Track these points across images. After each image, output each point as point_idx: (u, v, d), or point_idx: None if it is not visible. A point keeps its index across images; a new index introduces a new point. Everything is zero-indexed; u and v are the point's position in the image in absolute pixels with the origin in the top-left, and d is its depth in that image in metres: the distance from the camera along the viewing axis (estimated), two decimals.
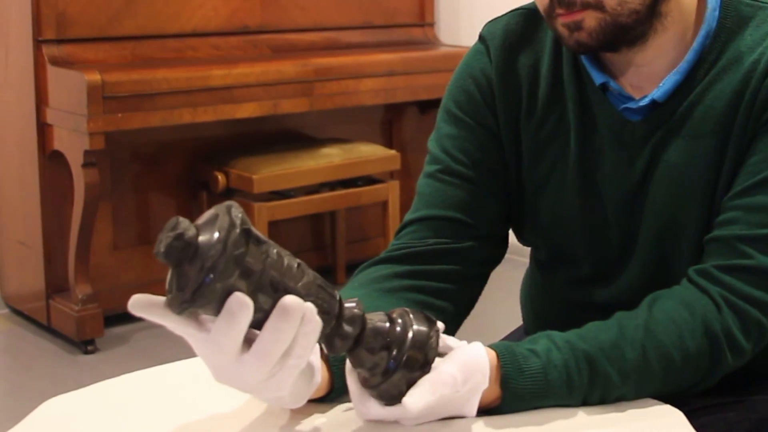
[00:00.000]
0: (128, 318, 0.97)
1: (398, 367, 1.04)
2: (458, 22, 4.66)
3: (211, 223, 0.93)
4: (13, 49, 3.61)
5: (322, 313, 0.98)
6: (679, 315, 1.21)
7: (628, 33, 1.26)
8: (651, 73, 1.32)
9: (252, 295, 0.93)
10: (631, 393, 1.18)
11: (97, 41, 3.59)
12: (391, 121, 4.44)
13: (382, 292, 1.30)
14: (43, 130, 3.54)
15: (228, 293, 0.92)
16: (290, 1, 4.07)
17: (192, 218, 0.94)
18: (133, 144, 3.71)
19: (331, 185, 3.89)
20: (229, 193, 3.70)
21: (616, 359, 1.17)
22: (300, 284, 0.97)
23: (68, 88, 3.37)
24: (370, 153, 3.98)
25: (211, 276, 0.90)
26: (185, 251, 0.91)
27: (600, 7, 1.23)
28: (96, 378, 1.25)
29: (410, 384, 1.04)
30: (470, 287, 1.38)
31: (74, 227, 3.47)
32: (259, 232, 0.95)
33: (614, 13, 1.24)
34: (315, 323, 0.97)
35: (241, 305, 0.92)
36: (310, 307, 0.96)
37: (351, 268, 3.68)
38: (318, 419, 1.12)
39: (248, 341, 0.95)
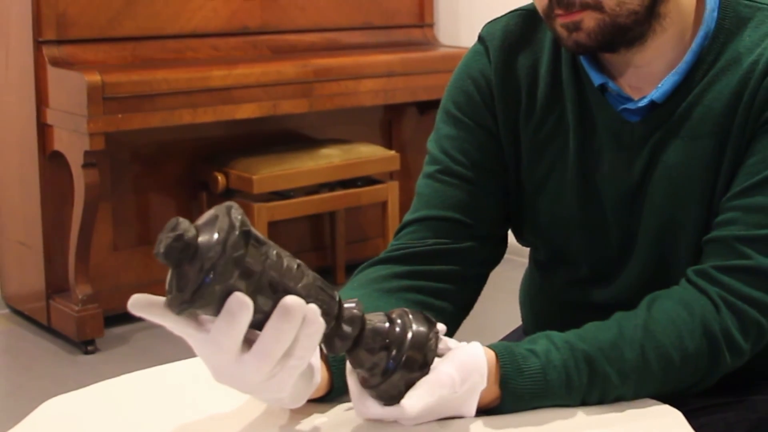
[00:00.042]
0: (128, 318, 0.97)
1: (397, 368, 1.04)
2: (457, 23, 4.66)
3: (211, 224, 0.93)
4: (13, 50, 3.61)
5: (322, 314, 0.98)
6: (678, 315, 1.21)
7: (627, 34, 1.26)
8: (650, 74, 1.32)
9: (252, 296, 0.93)
10: (630, 393, 1.18)
11: (97, 42, 3.59)
12: (391, 122, 4.45)
13: (381, 292, 1.30)
14: (44, 130, 3.54)
15: (228, 294, 0.92)
16: (290, 2, 4.07)
17: (192, 219, 0.94)
18: (133, 144, 3.72)
19: (331, 186, 3.89)
20: (228, 194, 3.70)
21: (615, 359, 1.17)
22: (300, 285, 0.97)
23: (68, 88, 3.37)
24: (370, 153, 3.98)
25: (211, 277, 0.91)
26: (185, 252, 0.91)
27: (599, 8, 1.23)
28: (96, 378, 1.25)
29: (409, 384, 1.05)
30: (469, 287, 1.39)
31: (74, 227, 3.47)
32: (259, 233, 0.95)
33: (613, 13, 1.24)
34: (318, 324, 0.97)
35: (241, 305, 0.92)
36: (313, 308, 0.96)
37: (350, 269, 3.68)
38: (318, 419, 1.12)
39: (248, 342, 0.95)
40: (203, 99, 3.53)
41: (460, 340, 1.14)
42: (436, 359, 1.07)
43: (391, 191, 4.00)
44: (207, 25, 3.85)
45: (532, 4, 1.34)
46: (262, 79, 3.66)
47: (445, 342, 1.10)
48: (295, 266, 0.97)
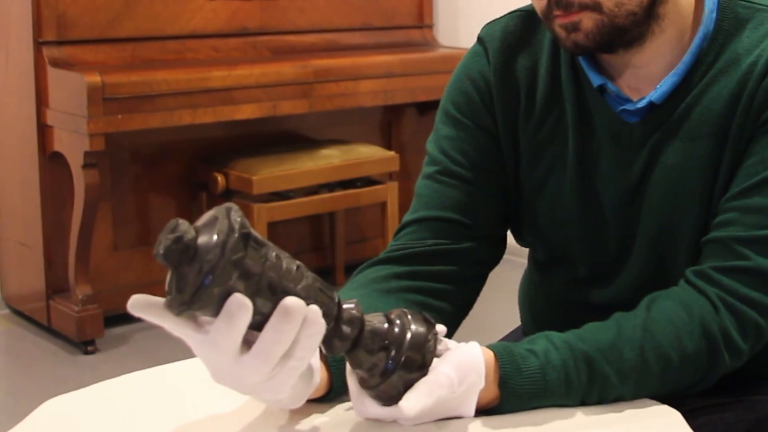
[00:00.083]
0: (128, 318, 0.97)
1: (396, 368, 1.04)
2: (457, 24, 4.66)
3: (211, 225, 0.93)
4: (13, 51, 3.61)
5: (322, 315, 0.99)
6: (677, 316, 1.21)
7: (625, 34, 1.26)
8: (648, 75, 1.32)
9: (251, 297, 0.93)
10: (629, 393, 1.18)
11: (97, 43, 3.60)
12: (390, 123, 4.45)
13: (381, 292, 1.30)
14: (44, 131, 3.54)
15: (227, 295, 0.92)
16: (289, 2, 4.07)
17: (191, 219, 0.94)
18: (133, 145, 3.72)
19: (330, 186, 3.89)
20: (228, 194, 3.70)
21: (614, 359, 1.17)
22: (299, 286, 0.97)
23: (68, 89, 3.37)
24: (369, 154, 3.98)
25: (210, 279, 0.91)
26: (184, 253, 0.91)
27: (597, 9, 1.24)
28: (96, 378, 1.25)
29: (408, 385, 1.05)
30: (469, 288, 1.39)
31: (74, 228, 3.47)
32: (258, 234, 0.95)
33: (611, 14, 1.24)
34: (320, 325, 0.97)
35: (240, 306, 0.92)
36: (314, 309, 0.97)
37: (350, 269, 3.68)
38: (317, 419, 1.12)
39: (247, 343, 0.96)
40: (203, 100, 3.53)
41: (459, 341, 1.14)
42: (435, 360, 1.07)
43: (390, 192, 4.00)
44: (207, 26, 3.86)
45: (531, 5, 1.34)
46: (261, 79, 3.66)
47: (445, 343, 1.10)
48: (295, 267, 0.97)
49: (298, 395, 1.04)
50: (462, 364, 1.08)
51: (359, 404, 1.08)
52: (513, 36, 1.40)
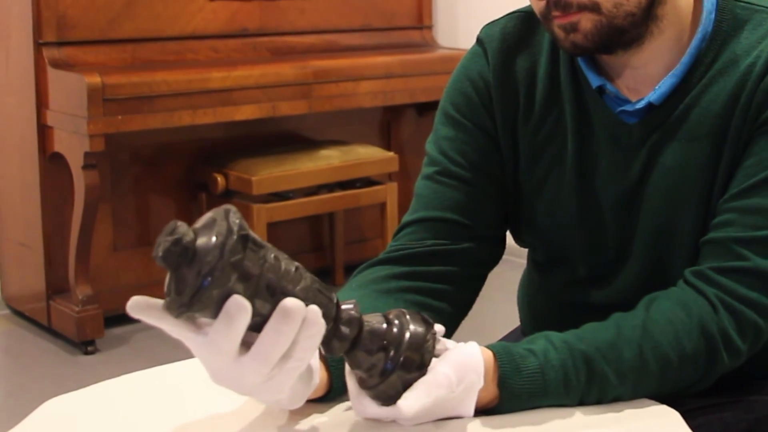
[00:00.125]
0: (128, 319, 0.97)
1: (395, 368, 1.04)
2: (456, 25, 4.66)
3: (209, 227, 0.94)
4: (13, 52, 3.62)
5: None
6: (676, 316, 1.21)
7: (624, 35, 1.26)
8: (647, 76, 1.32)
9: (250, 299, 0.94)
10: (628, 393, 1.19)
11: (97, 44, 3.60)
12: (390, 123, 4.45)
13: (380, 293, 1.30)
14: (44, 132, 3.54)
15: (226, 297, 0.93)
16: (289, 3, 4.08)
17: (191, 220, 0.94)
18: (132, 146, 3.72)
19: (330, 187, 3.89)
20: (228, 195, 3.70)
21: (613, 359, 1.17)
22: (298, 288, 0.97)
23: (68, 90, 3.37)
24: (369, 155, 3.98)
25: (209, 280, 0.91)
26: (183, 256, 0.91)
27: (596, 9, 1.24)
28: (96, 378, 1.25)
29: (407, 385, 1.05)
30: (468, 288, 1.39)
31: (74, 228, 3.47)
32: (257, 236, 0.96)
33: (610, 15, 1.24)
34: (319, 326, 0.97)
35: (240, 308, 0.93)
36: (313, 310, 0.97)
37: (349, 269, 3.68)
38: (317, 419, 1.12)
39: (246, 344, 0.96)
40: (203, 100, 3.53)
41: (458, 341, 1.14)
42: (433, 360, 1.08)
43: (389, 192, 4.00)
44: (206, 27, 3.86)
45: (529, 6, 1.34)
46: (261, 80, 3.66)
47: (443, 343, 1.10)
48: (293, 269, 0.98)
49: (298, 396, 1.05)
50: (461, 364, 1.08)
51: (358, 404, 1.08)
52: (512, 37, 1.40)
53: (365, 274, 1.34)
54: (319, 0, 4.16)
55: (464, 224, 1.37)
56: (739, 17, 1.31)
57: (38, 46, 3.48)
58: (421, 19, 4.50)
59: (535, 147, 1.39)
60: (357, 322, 1.03)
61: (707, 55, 1.30)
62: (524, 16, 1.41)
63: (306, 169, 3.77)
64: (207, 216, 0.96)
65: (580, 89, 1.36)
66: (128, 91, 3.37)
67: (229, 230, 0.92)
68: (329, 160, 3.85)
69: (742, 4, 1.32)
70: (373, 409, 1.07)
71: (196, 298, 0.91)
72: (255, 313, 0.94)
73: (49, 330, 3.71)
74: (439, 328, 1.09)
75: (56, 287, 3.67)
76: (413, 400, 1.04)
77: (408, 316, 1.07)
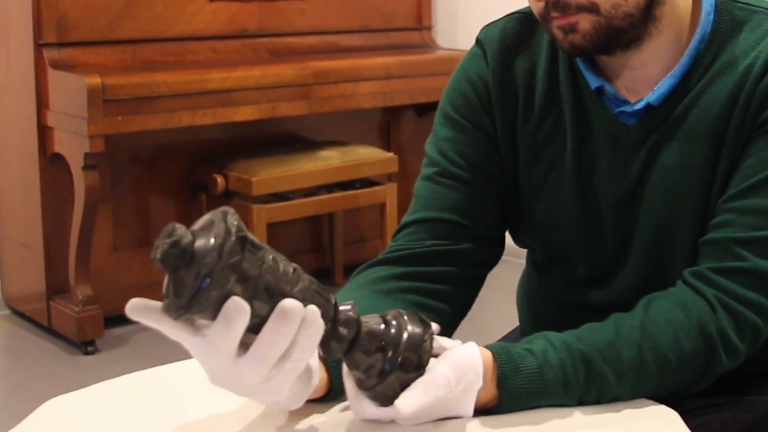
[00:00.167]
0: (128, 319, 0.97)
1: (393, 369, 1.04)
2: (455, 26, 4.66)
3: (207, 229, 0.94)
4: (14, 53, 3.62)
5: None
6: (675, 316, 1.21)
7: (623, 36, 1.27)
8: (646, 77, 1.33)
9: (248, 300, 0.94)
10: (626, 393, 1.19)
11: (97, 45, 3.60)
12: (389, 124, 4.45)
13: (379, 293, 1.30)
14: (44, 132, 3.54)
15: (224, 299, 0.93)
16: (289, 5, 4.08)
17: (191, 220, 0.95)
18: (132, 146, 3.72)
19: (329, 187, 3.90)
20: (228, 196, 3.71)
21: (612, 359, 1.17)
22: (296, 289, 0.97)
23: (69, 91, 3.38)
24: (368, 155, 3.98)
25: (207, 282, 0.91)
26: (181, 258, 0.91)
27: (594, 10, 1.24)
28: (96, 378, 1.26)
29: (405, 385, 1.05)
30: (467, 288, 1.39)
31: (74, 229, 3.47)
32: (255, 237, 0.96)
33: (608, 16, 1.24)
34: (318, 326, 0.98)
35: (238, 309, 0.93)
36: (312, 310, 0.97)
37: (349, 270, 3.68)
38: (317, 419, 1.12)
39: (244, 345, 0.96)
40: (202, 101, 3.53)
41: (455, 341, 1.14)
42: (432, 360, 1.08)
43: (389, 193, 4.00)
44: (206, 28, 3.86)
45: (528, 7, 1.34)
46: (261, 81, 3.66)
47: (439, 341, 1.10)
48: (291, 270, 0.98)
49: (297, 396, 1.05)
50: (459, 364, 1.08)
51: (357, 405, 1.08)
52: (511, 38, 1.41)
53: (365, 275, 1.35)
54: (318, 1, 4.16)
55: (463, 225, 1.37)
56: (737, 18, 1.31)
57: (38, 46, 3.49)
58: (421, 20, 4.50)
59: (534, 148, 1.39)
60: (355, 323, 1.03)
61: (706, 56, 1.30)
62: (523, 17, 1.41)
63: (306, 170, 3.77)
64: (205, 218, 0.96)
65: (579, 90, 1.36)
66: (128, 91, 3.37)
67: (228, 232, 0.92)
68: (329, 160, 3.85)
69: (740, 5, 1.32)
70: (372, 409, 1.07)
71: (194, 300, 0.92)
72: (253, 315, 0.94)
73: (49, 330, 3.72)
74: (435, 327, 1.10)
75: (56, 287, 3.67)
76: (411, 400, 1.04)
77: (406, 317, 1.07)
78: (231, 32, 3.92)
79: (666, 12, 1.29)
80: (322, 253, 4.27)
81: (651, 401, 1.19)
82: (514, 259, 1.97)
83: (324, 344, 1.02)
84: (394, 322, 1.06)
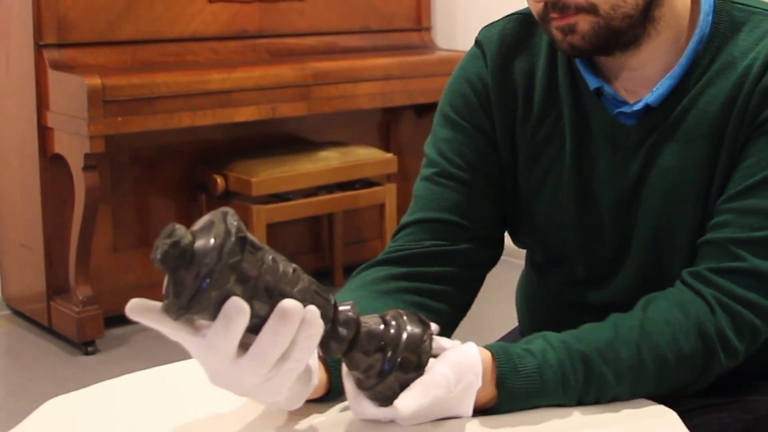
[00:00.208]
0: (128, 319, 0.97)
1: (393, 369, 1.04)
2: (454, 27, 4.66)
3: (207, 229, 0.94)
4: (14, 54, 3.62)
5: None
6: (674, 316, 1.22)
7: (621, 37, 1.27)
8: (645, 78, 1.33)
9: (248, 300, 0.94)
10: (625, 393, 1.19)
11: (97, 45, 3.60)
12: (389, 125, 4.45)
13: (379, 293, 1.31)
14: (44, 133, 3.54)
15: (224, 299, 0.93)
16: (289, 6, 4.08)
17: (191, 221, 0.95)
18: (133, 147, 3.72)
19: (329, 188, 3.90)
20: (227, 196, 3.71)
21: (611, 359, 1.18)
22: (296, 289, 0.98)
23: (69, 91, 3.38)
24: (368, 156, 3.98)
25: (207, 283, 0.91)
26: (181, 258, 0.92)
27: (593, 11, 1.24)
28: (96, 378, 1.26)
29: (404, 385, 1.05)
30: (466, 289, 1.39)
31: (75, 229, 3.48)
32: (255, 238, 0.96)
33: (607, 16, 1.24)
34: (318, 326, 0.98)
35: (238, 310, 0.93)
36: (312, 310, 0.97)
37: (348, 270, 3.68)
38: (316, 419, 1.12)
39: (244, 346, 0.96)
40: (202, 102, 3.54)
41: (454, 341, 1.15)
42: (431, 360, 1.08)
43: (388, 193, 4.00)
44: (206, 29, 3.86)
45: (528, 8, 1.35)
46: (260, 82, 3.66)
47: (438, 341, 1.11)
48: (291, 270, 0.98)
49: (296, 397, 1.05)
50: (459, 364, 1.08)
51: (356, 406, 1.08)
52: (510, 39, 1.41)
53: (364, 275, 1.35)
54: (318, 2, 4.16)
55: (463, 225, 1.37)
56: (736, 19, 1.31)
57: (39, 47, 3.49)
58: (420, 21, 4.50)
59: (533, 148, 1.39)
60: (354, 324, 1.04)
61: (704, 57, 1.31)
62: (522, 18, 1.42)
63: (305, 171, 3.77)
64: (205, 218, 0.96)
65: (578, 91, 1.36)
66: (128, 92, 3.37)
67: (227, 232, 0.93)
68: (328, 161, 3.85)
69: (739, 6, 1.32)
70: (371, 410, 1.07)
71: (194, 300, 0.92)
72: (253, 315, 0.95)
73: (49, 330, 3.72)
74: (434, 327, 1.10)
75: (56, 288, 3.67)
76: (410, 400, 1.05)
77: (405, 317, 1.07)
78: (231, 33, 3.92)
79: (665, 13, 1.29)
80: (321, 253, 4.28)
81: (650, 401, 1.20)
82: (513, 259, 1.97)
83: (323, 344, 1.02)
84: (393, 323, 1.07)
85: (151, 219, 3.82)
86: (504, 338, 1.65)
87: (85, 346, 3.55)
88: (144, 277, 3.79)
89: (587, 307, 1.39)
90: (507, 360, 1.14)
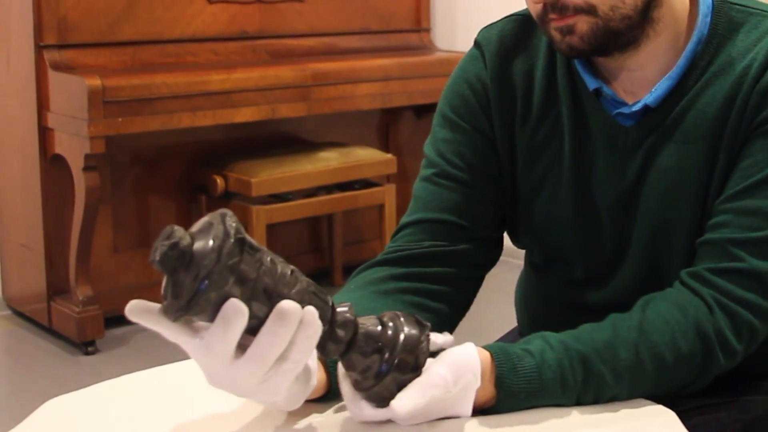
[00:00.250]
0: (128, 320, 0.97)
1: (390, 370, 1.05)
2: (454, 28, 4.67)
3: (206, 231, 0.94)
4: (14, 54, 3.62)
5: None
6: (672, 316, 1.22)
7: (620, 38, 1.27)
8: (643, 78, 1.33)
9: (246, 302, 0.94)
10: (624, 393, 1.19)
11: (97, 46, 3.60)
12: (388, 126, 4.45)
13: (378, 294, 1.31)
14: (45, 134, 3.55)
15: (223, 301, 0.93)
16: (288, 6, 4.08)
17: (191, 221, 0.95)
18: (133, 148, 3.72)
19: (329, 188, 3.90)
20: (227, 197, 3.71)
21: (609, 359, 1.18)
22: (293, 291, 0.98)
23: (69, 92, 3.38)
24: (367, 157, 3.99)
25: (206, 284, 0.91)
26: (180, 260, 0.92)
27: (592, 12, 1.24)
28: (96, 378, 1.26)
29: (401, 386, 1.06)
30: (465, 289, 1.39)
31: (75, 230, 3.48)
32: (253, 240, 0.96)
33: (606, 17, 1.24)
34: (316, 326, 0.98)
35: (237, 311, 0.93)
36: (311, 311, 0.97)
37: (348, 271, 3.69)
38: (315, 419, 1.13)
39: (241, 347, 0.96)
40: (202, 103, 3.54)
41: (456, 342, 1.15)
42: (429, 360, 1.08)
43: (388, 194, 4.00)
44: (206, 30, 3.86)
45: (527, 9, 1.35)
46: (260, 83, 3.66)
47: (432, 336, 1.11)
48: (289, 272, 0.98)
49: (295, 397, 1.05)
50: (457, 365, 1.09)
51: (354, 408, 1.08)
52: (509, 40, 1.41)
53: (363, 276, 1.35)
54: (317, 3, 4.16)
55: (462, 226, 1.38)
56: (734, 20, 1.32)
57: (39, 48, 3.49)
58: (419, 22, 4.51)
59: (532, 149, 1.39)
60: (352, 325, 1.04)
61: (703, 58, 1.31)
62: (522, 19, 1.42)
63: (305, 171, 3.77)
64: (203, 220, 0.96)
65: (577, 92, 1.36)
66: (128, 93, 3.37)
67: (226, 234, 0.93)
68: (328, 161, 3.86)
69: (737, 6, 1.33)
70: (369, 411, 1.07)
71: (193, 302, 0.92)
72: (251, 316, 0.95)
73: (49, 330, 3.72)
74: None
75: (57, 288, 3.67)
76: (407, 400, 1.05)
77: (402, 319, 1.08)
78: (231, 34, 3.93)
79: (663, 14, 1.29)
80: (321, 253, 4.28)
81: (648, 401, 1.20)
82: (512, 259, 1.98)
83: (321, 346, 1.03)
84: (390, 324, 1.07)
85: (151, 219, 3.82)
86: (503, 338, 1.65)
87: (86, 346, 3.55)
88: (144, 278, 3.79)
89: (586, 308, 1.39)
90: (506, 360, 1.14)
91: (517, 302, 1.61)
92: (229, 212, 0.95)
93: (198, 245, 0.93)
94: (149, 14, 3.71)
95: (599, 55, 1.30)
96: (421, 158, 1.45)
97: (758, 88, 1.27)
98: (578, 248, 1.40)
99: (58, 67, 3.47)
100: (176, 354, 1.03)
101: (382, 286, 1.32)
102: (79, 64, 3.53)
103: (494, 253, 1.44)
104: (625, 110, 1.33)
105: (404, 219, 1.41)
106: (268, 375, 0.98)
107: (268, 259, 0.96)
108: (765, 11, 1.32)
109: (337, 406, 1.16)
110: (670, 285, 1.28)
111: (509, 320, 1.69)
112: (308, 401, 1.11)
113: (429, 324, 1.09)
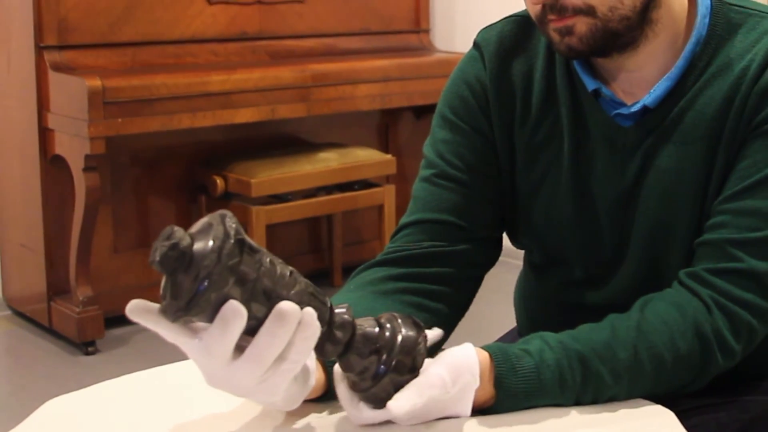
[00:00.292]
0: (128, 320, 0.97)
1: (388, 371, 1.05)
2: (453, 29, 4.67)
3: (205, 232, 0.94)
4: (15, 55, 3.62)
5: None
6: (671, 316, 1.22)
7: (619, 39, 1.27)
8: (642, 79, 1.33)
9: (246, 303, 0.94)
10: (623, 393, 1.19)
11: (97, 47, 3.60)
12: (387, 126, 4.45)
13: (377, 294, 1.31)
14: (45, 134, 3.55)
15: (222, 301, 0.93)
16: (288, 7, 4.08)
17: (191, 222, 0.95)
18: (133, 148, 3.72)
19: (328, 189, 3.90)
20: (227, 197, 3.71)
21: (608, 359, 1.18)
22: (292, 292, 0.98)
23: (69, 93, 3.38)
24: (367, 157, 3.99)
25: (206, 285, 0.92)
26: (180, 261, 0.92)
27: (591, 13, 1.24)
28: (96, 379, 1.26)
29: (398, 388, 1.06)
30: (464, 289, 1.39)
31: (75, 230, 3.48)
32: (253, 241, 0.96)
33: (605, 18, 1.25)
34: (315, 327, 0.98)
35: (236, 313, 0.94)
36: (309, 312, 0.98)
37: (347, 271, 3.68)
38: (314, 419, 1.13)
39: (240, 347, 0.97)
40: (202, 103, 3.54)
41: (455, 342, 1.15)
42: (427, 361, 1.08)
43: (387, 195, 4.00)
44: (206, 31, 3.86)
45: (526, 10, 1.35)
46: (260, 83, 3.67)
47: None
48: (288, 273, 0.98)
49: (293, 397, 1.05)
50: (455, 365, 1.09)
51: (353, 409, 1.09)
52: (509, 41, 1.41)
53: (363, 276, 1.35)
54: (317, 4, 4.16)
55: (461, 226, 1.38)
56: (733, 21, 1.32)
57: (39, 49, 3.49)
58: (419, 23, 4.51)
59: (531, 150, 1.39)
60: (350, 326, 1.04)
61: (701, 59, 1.31)
62: (521, 20, 1.42)
63: (304, 172, 3.77)
64: (203, 221, 0.96)
65: (576, 92, 1.36)
66: (128, 94, 3.38)
67: (226, 234, 0.93)
68: (328, 162, 3.86)
69: (736, 8, 1.33)
70: (368, 413, 1.08)
71: (193, 303, 0.92)
72: (250, 317, 0.95)
73: (49, 331, 3.72)
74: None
75: (57, 288, 3.67)
76: (404, 401, 1.05)
77: (399, 320, 1.08)
78: (230, 35, 3.93)
79: (662, 15, 1.30)
80: (320, 254, 4.28)
81: (647, 401, 1.20)
82: (511, 260, 1.98)
83: (319, 347, 1.03)
84: (388, 325, 1.07)
85: (151, 220, 3.83)
86: (502, 339, 1.65)
87: (86, 346, 3.55)
88: (144, 278, 3.79)
89: (585, 308, 1.39)
90: (505, 360, 1.15)
91: (516, 302, 1.61)
92: (228, 213, 0.95)
93: (198, 246, 0.93)
94: (149, 15, 3.71)
95: (598, 56, 1.30)
96: (420, 159, 1.45)
97: (756, 88, 1.27)
98: (577, 248, 1.40)
99: (58, 67, 3.48)
100: (176, 354, 1.03)
101: (382, 286, 1.32)
102: (79, 64, 3.54)
103: (493, 253, 1.44)
104: (623, 111, 1.33)
105: (403, 219, 1.41)
106: (267, 375, 0.98)
107: (268, 260, 0.96)
108: (763, 12, 1.33)
109: (336, 405, 1.15)
110: (668, 285, 1.28)
111: (508, 320, 1.69)
112: (307, 401, 1.11)
113: (424, 326, 1.10)
